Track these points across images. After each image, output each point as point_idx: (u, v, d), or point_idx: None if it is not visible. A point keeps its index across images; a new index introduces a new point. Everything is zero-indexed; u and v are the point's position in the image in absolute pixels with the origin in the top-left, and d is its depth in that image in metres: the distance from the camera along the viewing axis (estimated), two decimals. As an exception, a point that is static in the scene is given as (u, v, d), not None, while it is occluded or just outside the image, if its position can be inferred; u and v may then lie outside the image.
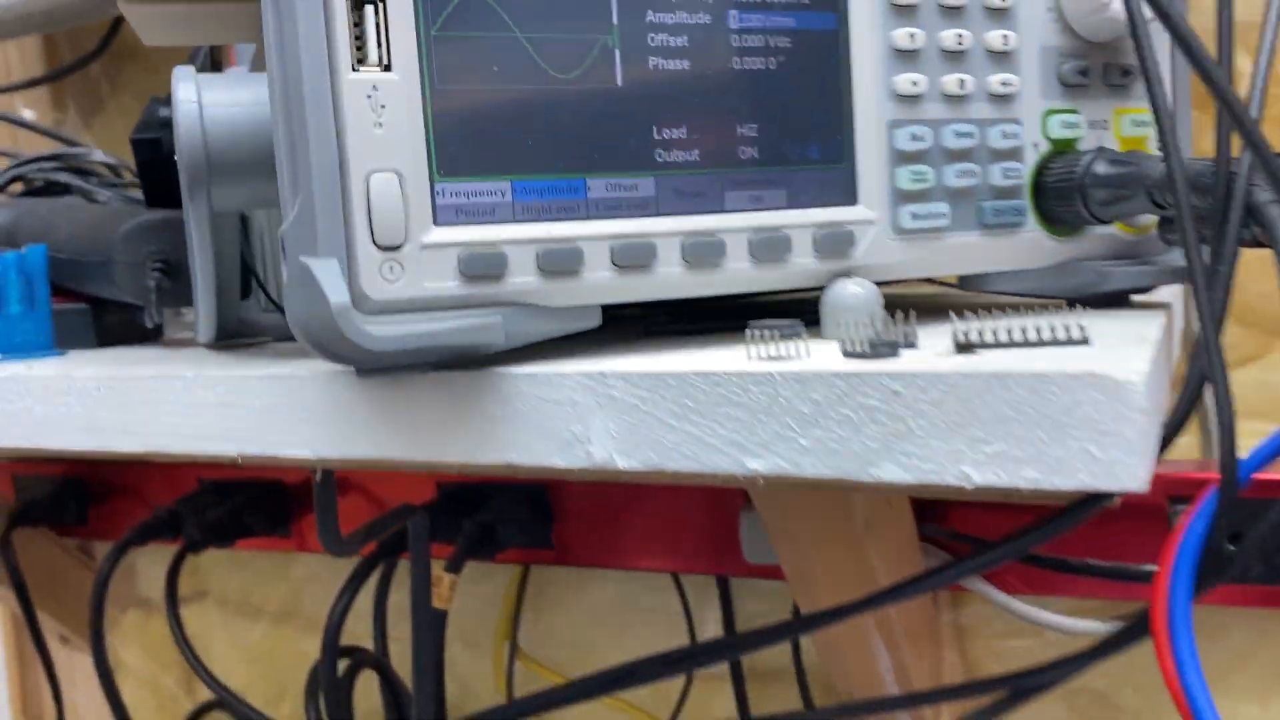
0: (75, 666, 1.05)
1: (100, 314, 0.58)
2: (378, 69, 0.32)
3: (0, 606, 1.07)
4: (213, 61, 0.56)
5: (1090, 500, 0.29)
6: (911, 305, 0.45)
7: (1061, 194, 0.40)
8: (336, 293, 0.31)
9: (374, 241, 0.32)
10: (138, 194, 0.66)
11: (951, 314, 0.34)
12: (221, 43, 0.52)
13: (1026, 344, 0.31)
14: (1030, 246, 0.41)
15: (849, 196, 0.38)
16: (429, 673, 0.61)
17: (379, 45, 0.32)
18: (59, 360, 0.50)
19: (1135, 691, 0.68)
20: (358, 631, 0.74)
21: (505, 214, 0.34)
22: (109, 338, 0.59)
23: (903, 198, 0.39)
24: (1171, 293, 0.48)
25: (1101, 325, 0.36)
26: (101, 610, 0.83)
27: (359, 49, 0.32)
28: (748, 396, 0.31)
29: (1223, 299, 0.32)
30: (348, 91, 0.32)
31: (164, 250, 0.53)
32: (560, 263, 0.34)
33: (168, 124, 0.51)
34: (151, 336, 0.61)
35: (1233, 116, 0.28)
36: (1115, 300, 0.43)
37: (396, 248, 0.32)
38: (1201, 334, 0.30)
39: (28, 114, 0.99)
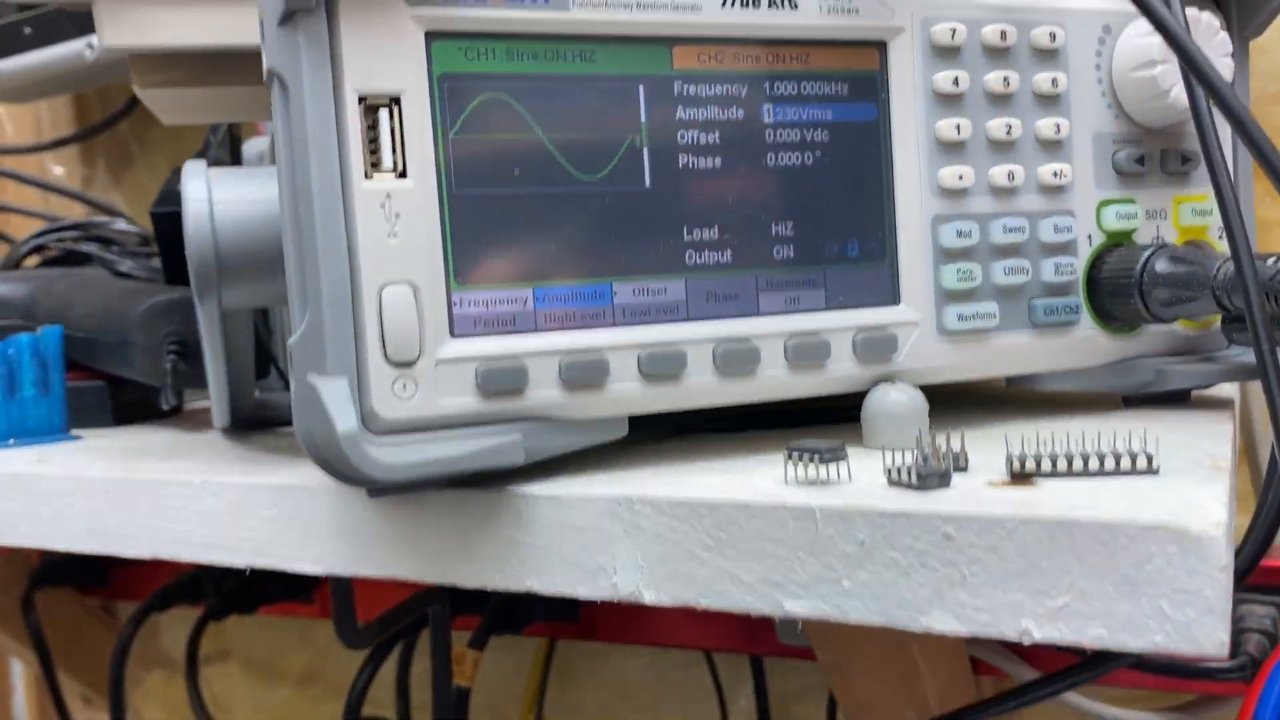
0: (97, 726, 1.04)
1: (117, 391, 0.57)
2: (392, 176, 0.30)
3: (22, 666, 1.05)
4: (233, 137, 0.54)
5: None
6: (956, 400, 0.42)
7: (1118, 291, 0.38)
8: (344, 419, 0.29)
9: (386, 358, 0.30)
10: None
11: (1006, 437, 0.32)
12: (240, 120, 0.51)
13: (1088, 473, 0.29)
14: (1085, 345, 0.39)
15: (891, 296, 0.36)
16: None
17: (394, 151, 0.30)
18: (70, 448, 0.48)
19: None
20: (382, 698, 0.72)
21: (527, 323, 0.32)
22: (126, 415, 0.57)
23: (948, 297, 0.36)
24: (1232, 385, 0.45)
25: (1166, 438, 0.34)
26: (121, 676, 0.81)
27: (373, 154, 0.30)
28: (786, 532, 0.28)
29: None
30: (360, 201, 0.30)
31: (181, 331, 0.51)
32: (585, 375, 0.32)
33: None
34: (170, 412, 0.59)
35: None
36: (1174, 396, 0.41)
37: (410, 363, 0.31)
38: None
39: (57, 170, 0.98)
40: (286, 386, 0.52)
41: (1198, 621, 0.24)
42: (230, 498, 0.37)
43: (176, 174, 0.56)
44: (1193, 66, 0.29)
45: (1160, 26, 0.29)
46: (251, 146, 0.55)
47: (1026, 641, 0.26)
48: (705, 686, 0.77)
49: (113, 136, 0.96)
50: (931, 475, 0.29)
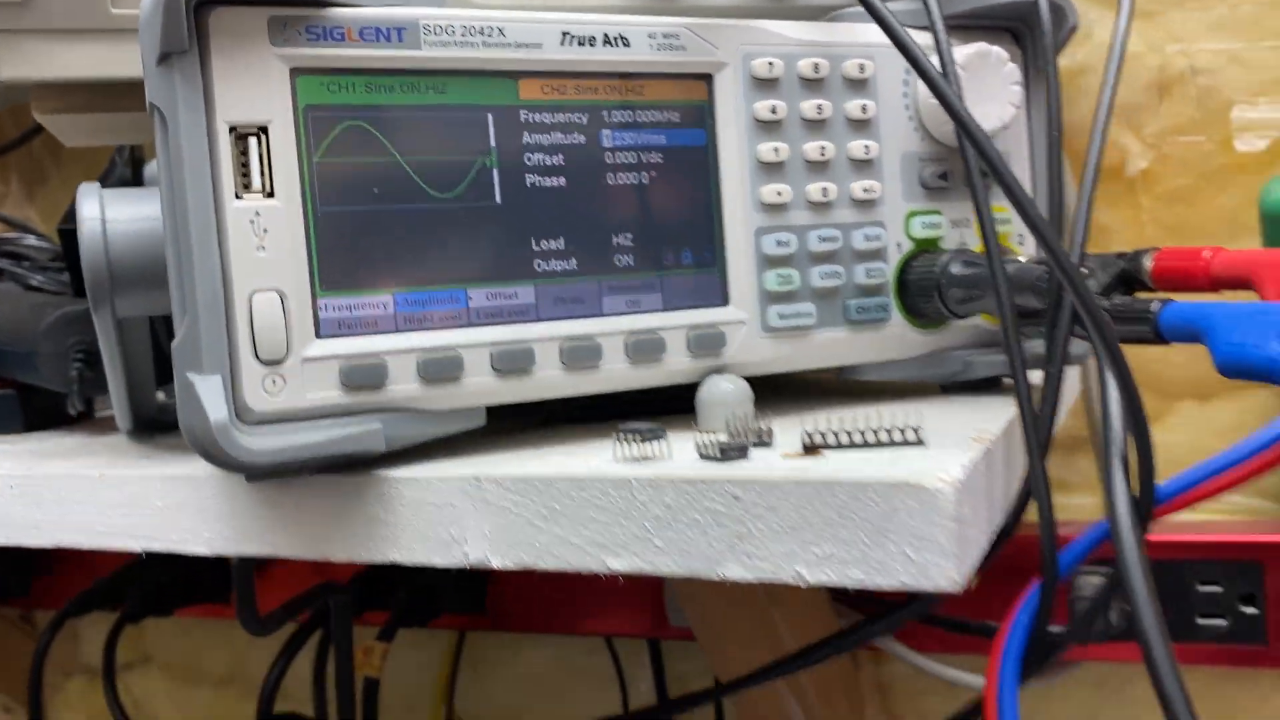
0: (18, 736, 1.05)
1: (28, 398, 0.60)
2: (260, 196, 0.34)
3: (-59, 677, 1.06)
4: (135, 158, 0.58)
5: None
6: (793, 391, 0.47)
7: (922, 291, 0.43)
8: (216, 410, 0.33)
9: (257, 357, 0.34)
10: (70, 276, 0.67)
11: (804, 419, 0.36)
12: (139, 142, 0.55)
13: (866, 445, 0.34)
14: (897, 339, 0.44)
15: (720, 298, 0.41)
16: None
17: (262, 174, 0.34)
18: (-20, 451, 0.51)
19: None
20: (301, 696, 0.75)
21: (388, 325, 0.36)
22: (37, 422, 0.60)
23: (771, 299, 0.41)
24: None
25: (953, 419, 0.39)
26: (40, 684, 0.83)
27: (244, 177, 0.34)
28: (608, 500, 0.33)
29: (1050, 414, 0.35)
30: (231, 219, 0.34)
31: (86, 341, 0.54)
32: (441, 370, 0.36)
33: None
34: (80, 418, 0.62)
35: (1056, 262, 0.31)
36: (987, 384, 0.46)
37: (279, 362, 0.34)
38: (1028, 458, 0.32)
39: (-29, 187, 1.00)
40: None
41: (934, 563, 0.29)
42: (128, 489, 0.40)
43: (83, 192, 0.59)
44: (946, 105, 0.34)
45: (923, 74, 0.34)
46: (153, 166, 0.59)
47: (801, 585, 0.30)
48: (608, 672, 0.81)
49: (27, 153, 0.98)
50: (732, 449, 0.33)
